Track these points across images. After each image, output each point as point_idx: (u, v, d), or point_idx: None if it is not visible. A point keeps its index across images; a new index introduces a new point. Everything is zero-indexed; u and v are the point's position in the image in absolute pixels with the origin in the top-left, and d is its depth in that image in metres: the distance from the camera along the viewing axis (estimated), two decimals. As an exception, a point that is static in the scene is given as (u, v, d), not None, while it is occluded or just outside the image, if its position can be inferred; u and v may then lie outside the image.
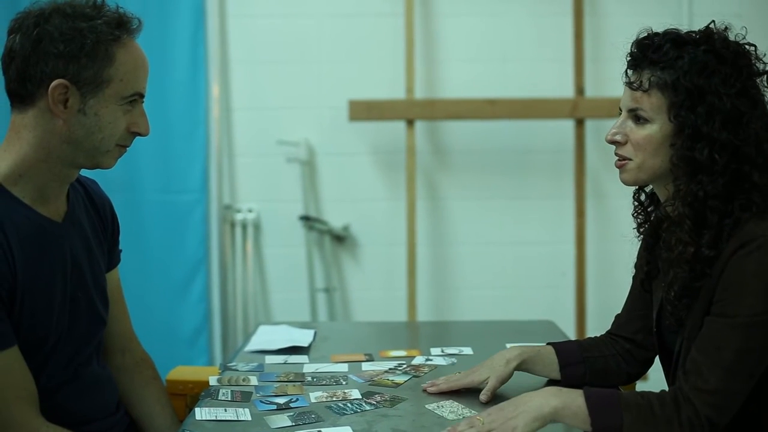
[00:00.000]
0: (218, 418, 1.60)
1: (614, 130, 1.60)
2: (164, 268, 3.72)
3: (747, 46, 1.55)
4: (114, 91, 1.52)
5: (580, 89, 3.72)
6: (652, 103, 1.54)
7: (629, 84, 1.57)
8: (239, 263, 3.87)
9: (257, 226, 3.89)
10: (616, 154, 1.61)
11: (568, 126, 3.78)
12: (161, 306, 3.68)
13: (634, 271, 1.80)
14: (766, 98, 1.55)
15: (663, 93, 1.53)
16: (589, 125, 3.77)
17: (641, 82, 1.55)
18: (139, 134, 1.59)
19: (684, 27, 1.59)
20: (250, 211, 3.86)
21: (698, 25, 1.59)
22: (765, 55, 1.56)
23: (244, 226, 3.85)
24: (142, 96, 1.58)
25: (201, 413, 1.62)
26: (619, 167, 1.61)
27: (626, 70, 1.60)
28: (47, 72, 1.49)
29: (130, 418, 1.83)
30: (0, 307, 1.48)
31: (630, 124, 1.58)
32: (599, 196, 3.85)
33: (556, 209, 3.86)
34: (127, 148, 1.61)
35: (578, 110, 3.68)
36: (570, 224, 3.79)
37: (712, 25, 1.57)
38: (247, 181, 3.88)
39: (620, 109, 1.62)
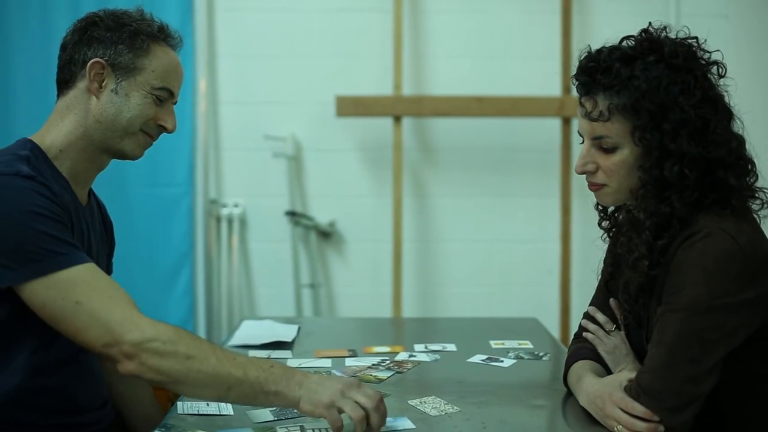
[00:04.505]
0: (200, 412, 1.60)
1: (582, 161, 1.55)
2: (149, 261, 3.71)
3: (689, 41, 1.51)
4: (145, 80, 1.67)
5: (567, 88, 3.73)
6: (617, 129, 1.49)
7: (587, 115, 1.51)
8: (224, 258, 3.86)
9: (243, 221, 3.88)
10: (589, 181, 1.57)
11: (554, 124, 3.79)
12: (146, 299, 3.59)
13: (599, 271, 1.77)
14: (719, 89, 1.50)
15: (624, 117, 1.48)
16: (576, 124, 3.77)
17: (600, 111, 1.49)
18: (165, 129, 1.72)
19: (671, 27, 1.54)
20: (236, 205, 3.85)
21: (684, 24, 1.56)
22: (705, 41, 1.52)
23: (230, 221, 3.84)
24: (172, 94, 1.71)
25: (183, 407, 1.62)
26: (595, 191, 1.58)
27: (579, 99, 1.54)
28: (89, 54, 1.66)
29: (116, 415, 1.84)
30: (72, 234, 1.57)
31: (597, 151, 1.53)
32: (585, 194, 3.75)
33: (542, 207, 3.87)
34: (153, 142, 1.74)
35: (565, 109, 3.68)
36: (556, 222, 3.80)
37: (651, 27, 1.52)
38: (234, 175, 3.88)
39: (580, 135, 1.57)
